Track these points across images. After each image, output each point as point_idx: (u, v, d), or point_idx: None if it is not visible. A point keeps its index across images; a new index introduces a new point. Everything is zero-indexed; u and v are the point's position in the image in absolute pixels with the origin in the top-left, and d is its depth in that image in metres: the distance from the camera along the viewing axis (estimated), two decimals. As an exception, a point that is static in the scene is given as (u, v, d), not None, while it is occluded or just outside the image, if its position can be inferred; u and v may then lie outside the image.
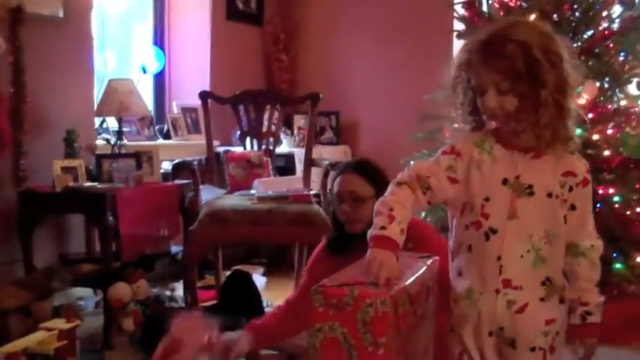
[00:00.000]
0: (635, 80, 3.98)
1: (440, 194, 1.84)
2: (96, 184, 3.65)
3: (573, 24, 4.00)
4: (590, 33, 4.02)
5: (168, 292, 4.08)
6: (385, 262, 1.67)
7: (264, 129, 4.29)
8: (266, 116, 4.34)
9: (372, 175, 2.52)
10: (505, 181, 1.83)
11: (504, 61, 1.74)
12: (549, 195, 1.82)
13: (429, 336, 1.95)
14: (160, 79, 5.29)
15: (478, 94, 1.81)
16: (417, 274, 1.79)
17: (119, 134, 4.08)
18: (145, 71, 5.04)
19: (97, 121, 4.39)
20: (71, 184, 3.53)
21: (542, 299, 1.85)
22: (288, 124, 5.40)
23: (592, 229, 1.94)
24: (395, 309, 1.62)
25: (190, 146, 4.88)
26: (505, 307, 1.84)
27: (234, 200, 3.75)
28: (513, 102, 1.76)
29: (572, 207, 1.86)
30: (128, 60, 5.08)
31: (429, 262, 1.92)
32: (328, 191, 2.70)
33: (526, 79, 1.74)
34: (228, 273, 3.89)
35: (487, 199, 1.83)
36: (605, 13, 4.05)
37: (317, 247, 2.71)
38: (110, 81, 4.09)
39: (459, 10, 4.28)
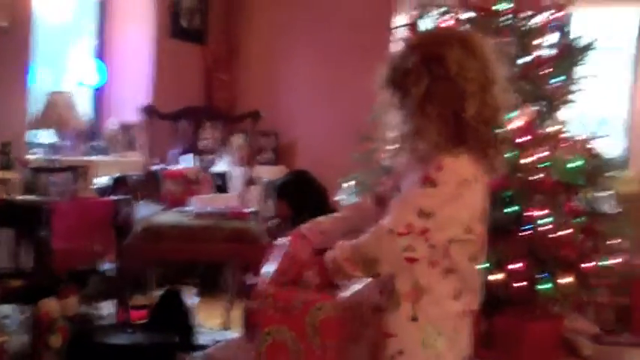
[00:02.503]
0: (566, 105, 4.10)
1: None
2: (30, 196, 3.60)
3: (511, 50, 4.11)
4: (526, 59, 4.14)
5: (96, 311, 4.03)
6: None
7: (203, 146, 4.30)
8: (205, 134, 4.34)
9: (285, 193, 2.73)
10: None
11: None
12: None
13: (372, 343, 1.97)
14: (98, 94, 5.24)
15: None
16: (364, 283, 1.82)
17: (55, 148, 4.03)
18: (84, 84, 4.98)
19: (31, 134, 4.33)
20: (4, 196, 3.47)
21: None
22: (225, 143, 5.39)
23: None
24: (343, 313, 1.65)
25: (127, 163, 4.82)
26: None
27: (170, 216, 3.74)
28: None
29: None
30: (65, 74, 5.02)
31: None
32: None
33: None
34: (160, 293, 3.86)
35: None
36: (539, 41, 4.18)
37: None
38: (49, 94, 4.05)
39: (399, 32, 4.37)
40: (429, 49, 1.74)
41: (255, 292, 1.77)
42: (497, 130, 1.75)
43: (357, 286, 1.78)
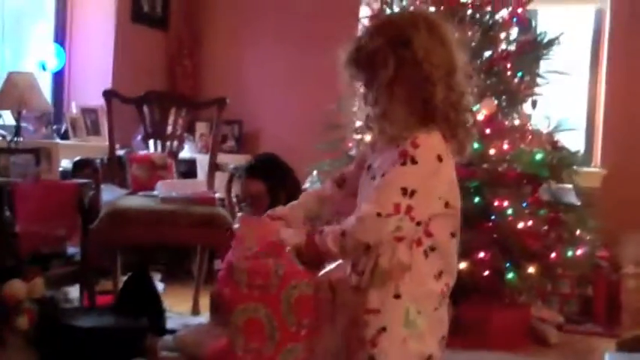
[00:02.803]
0: (530, 99, 4.18)
1: None
2: (-9, 177, 3.52)
3: (473, 44, 4.16)
4: (489, 53, 4.20)
5: (62, 295, 3.96)
6: None
7: (169, 131, 4.24)
8: (170, 119, 4.28)
9: (260, 171, 2.84)
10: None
11: None
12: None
13: (343, 326, 1.98)
14: (59, 78, 5.14)
15: None
16: (338, 262, 1.83)
17: (17, 129, 3.94)
18: (44, 68, 4.89)
19: (-7, 116, 4.24)
20: (-35, 177, 3.39)
21: None
22: (190, 130, 5.34)
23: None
24: (318, 292, 1.65)
25: (89, 147, 4.75)
26: None
27: (136, 200, 3.69)
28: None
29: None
30: (25, 56, 4.92)
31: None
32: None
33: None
34: (124, 278, 3.81)
35: None
36: (503, 35, 4.24)
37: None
38: (10, 74, 3.96)
39: (365, 21, 4.39)
40: (395, 31, 1.76)
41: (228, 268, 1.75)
42: (465, 114, 1.79)
43: (331, 266, 1.79)
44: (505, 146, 3.99)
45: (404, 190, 1.65)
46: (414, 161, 1.67)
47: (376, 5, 4.41)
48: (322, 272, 1.72)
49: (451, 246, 1.78)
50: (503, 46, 4.24)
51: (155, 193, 3.76)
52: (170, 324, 3.63)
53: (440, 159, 1.70)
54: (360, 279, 1.76)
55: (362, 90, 1.80)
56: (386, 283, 1.74)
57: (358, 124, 2.14)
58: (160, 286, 4.23)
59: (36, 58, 4.90)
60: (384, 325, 1.73)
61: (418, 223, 1.69)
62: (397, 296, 1.73)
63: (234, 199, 3.49)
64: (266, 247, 1.70)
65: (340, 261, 1.83)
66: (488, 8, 4.21)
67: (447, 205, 1.74)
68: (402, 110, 1.72)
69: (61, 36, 5.18)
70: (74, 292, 3.97)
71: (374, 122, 1.77)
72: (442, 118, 1.73)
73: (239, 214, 2.52)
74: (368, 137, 1.99)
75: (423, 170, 1.68)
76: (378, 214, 1.65)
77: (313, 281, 1.62)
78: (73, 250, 4.05)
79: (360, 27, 4.39)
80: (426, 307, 1.75)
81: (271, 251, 1.70)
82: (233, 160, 5.12)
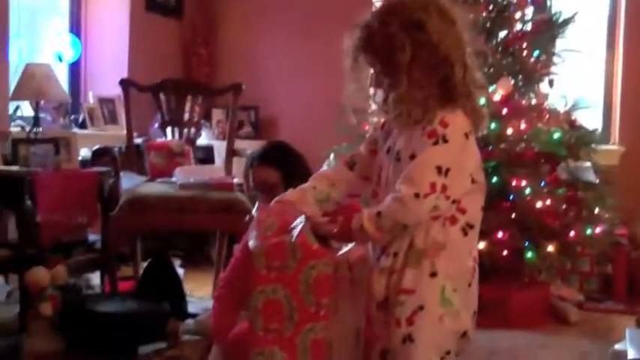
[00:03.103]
0: (547, 78, 4.16)
1: None
2: (12, 167, 3.55)
3: (489, 24, 4.14)
4: (505, 33, 4.19)
5: (84, 281, 4.01)
6: None
7: (186, 118, 4.26)
8: (186, 107, 4.30)
9: (274, 159, 2.73)
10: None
11: None
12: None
13: (362, 305, 1.99)
14: (75, 68, 5.18)
15: None
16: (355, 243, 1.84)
17: (36, 120, 3.98)
18: (60, 59, 4.92)
19: (11, 107, 4.27)
20: (-14, 167, 3.42)
21: None
22: (206, 117, 5.36)
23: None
24: (335, 272, 1.66)
25: (108, 136, 4.78)
26: None
27: (155, 187, 3.71)
28: None
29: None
30: (41, 48, 4.95)
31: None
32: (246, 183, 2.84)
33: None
34: (145, 265, 3.84)
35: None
36: (519, 15, 4.22)
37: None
38: (27, 65, 3.99)
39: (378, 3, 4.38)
40: (406, 15, 1.77)
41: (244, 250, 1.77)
42: (481, 92, 1.83)
43: (348, 246, 1.80)
44: (522, 126, 3.97)
45: (439, 169, 1.68)
46: (445, 140, 1.70)
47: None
48: (341, 252, 1.72)
49: (480, 220, 1.81)
50: (518, 26, 4.21)
51: (173, 179, 3.78)
52: (191, 308, 3.67)
53: (467, 136, 1.73)
54: (394, 260, 1.78)
55: (374, 75, 1.82)
56: (421, 262, 1.76)
57: (373, 107, 2.14)
58: (180, 272, 4.27)
59: (52, 49, 4.93)
60: (420, 304, 1.75)
61: (453, 201, 1.72)
62: (433, 274, 1.75)
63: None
64: (286, 224, 1.71)
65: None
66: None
67: (473, 180, 1.77)
68: (421, 92, 1.74)
69: (76, 27, 5.21)
70: (95, 278, 4.02)
71: (391, 106, 1.78)
72: (464, 95, 1.76)
73: (257, 202, 2.52)
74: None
75: (454, 148, 1.71)
76: (416, 195, 1.68)
77: (332, 261, 1.63)
78: (93, 237, 4.09)
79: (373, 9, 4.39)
80: (462, 283, 1.78)
81: (292, 229, 1.71)
82: (250, 146, 5.13)
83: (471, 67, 1.79)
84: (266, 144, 3.25)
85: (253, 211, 1.91)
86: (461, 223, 1.75)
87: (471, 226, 1.76)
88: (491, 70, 3.95)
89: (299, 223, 1.71)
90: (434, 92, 1.75)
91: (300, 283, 1.62)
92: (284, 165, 2.70)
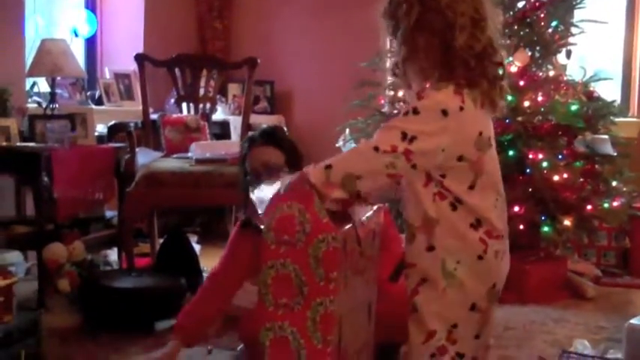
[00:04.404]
0: (564, 49, 4.10)
1: None
2: (29, 144, 3.58)
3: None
4: (522, 4, 4.13)
5: (102, 258, 4.04)
6: None
7: (201, 93, 4.26)
8: (202, 82, 4.30)
9: (280, 140, 2.60)
10: None
11: None
12: None
13: (372, 279, 2.00)
14: (91, 44, 5.19)
15: None
16: (364, 216, 1.84)
17: (52, 96, 4.00)
18: (76, 35, 4.93)
19: (28, 83, 4.29)
20: (4, 143, 3.44)
21: None
22: (222, 92, 5.36)
23: None
24: (344, 246, 1.66)
25: (124, 112, 4.80)
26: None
27: (171, 163, 3.72)
28: None
29: None
30: (58, 24, 4.96)
31: (375, 208, 1.97)
32: (241, 164, 2.67)
33: None
34: (162, 240, 3.86)
35: None
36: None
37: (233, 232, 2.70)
38: (43, 41, 4.00)
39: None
40: None
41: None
42: (493, 67, 1.77)
43: (358, 217, 1.80)
44: (539, 98, 3.93)
45: (403, 135, 1.67)
46: (415, 112, 1.69)
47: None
48: (349, 225, 1.72)
49: (473, 198, 1.75)
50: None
51: (189, 155, 3.79)
52: (207, 283, 3.69)
53: (445, 113, 1.69)
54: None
55: (390, 42, 1.82)
56: (415, 237, 1.76)
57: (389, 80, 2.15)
58: (196, 247, 4.30)
59: (68, 25, 4.94)
60: (422, 276, 1.77)
61: (415, 167, 1.69)
62: (431, 248, 1.75)
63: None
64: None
65: (367, 215, 1.85)
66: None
67: (460, 158, 1.72)
68: (422, 56, 1.74)
69: (91, 2, 5.21)
70: (113, 254, 4.05)
71: (398, 68, 1.79)
72: (461, 64, 1.72)
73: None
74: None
75: (423, 120, 1.69)
76: (375, 148, 1.68)
77: (340, 234, 1.63)
78: (110, 213, 4.12)
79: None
80: (466, 256, 1.75)
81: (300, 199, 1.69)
82: (266, 121, 5.14)
83: (483, 40, 1.73)
84: (264, 128, 3.12)
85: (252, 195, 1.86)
86: (449, 198, 1.74)
87: (460, 201, 1.74)
88: (509, 41, 3.91)
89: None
90: (436, 58, 1.73)
91: (309, 256, 1.62)
92: (286, 147, 2.59)
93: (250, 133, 3.26)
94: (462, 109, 1.71)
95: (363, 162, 1.69)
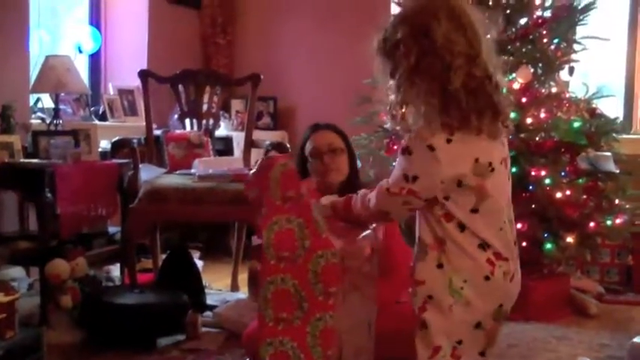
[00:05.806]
0: (567, 66, 4.11)
1: None
2: (33, 160, 3.59)
3: (508, 11, 4.11)
4: (524, 20, 4.14)
5: (104, 273, 4.05)
6: None
7: (204, 109, 4.27)
8: (205, 98, 4.32)
9: (341, 132, 2.78)
10: None
11: None
12: None
13: (371, 295, 2.00)
14: (95, 60, 5.21)
15: None
16: (363, 234, 1.85)
17: (56, 112, 4.01)
18: (80, 51, 4.95)
19: (32, 99, 4.31)
20: (7, 159, 3.46)
21: None
22: (225, 107, 5.38)
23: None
24: (344, 261, 1.67)
25: (127, 128, 4.81)
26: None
27: (174, 179, 3.73)
28: None
29: None
30: (61, 39, 4.99)
31: (374, 226, 1.99)
32: (299, 150, 2.76)
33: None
34: (164, 256, 3.87)
35: None
36: (538, 1, 4.17)
37: None
38: (47, 57, 4.02)
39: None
40: (416, 20, 1.77)
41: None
42: (489, 98, 1.77)
43: (357, 235, 1.82)
44: (542, 115, 3.94)
45: (406, 177, 1.76)
46: (409, 152, 1.76)
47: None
48: (344, 241, 1.74)
49: (477, 221, 1.78)
50: (538, 12, 4.17)
51: (192, 171, 3.80)
52: (210, 300, 3.70)
53: (431, 148, 1.72)
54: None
55: (390, 79, 1.82)
56: (427, 254, 1.80)
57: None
58: (199, 263, 4.30)
59: (72, 41, 4.96)
60: (429, 293, 1.80)
61: (427, 200, 1.77)
62: (440, 266, 1.79)
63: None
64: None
65: (366, 233, 1.87)
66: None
67: (459, 184, 1.75)
68: (421, 100, 1.74)
69: (96, 18, 5.25)
70: (115, 270, 4.05)
71: (396, 110, 1.81)
72: (455, 105, 1.74)
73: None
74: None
75: (417, 159, 1.75)
76: (387, 190, 1.79)
77: (339, 250, 1.64)
78: (113, 229, 4.12)
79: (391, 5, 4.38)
80: (473, 276, 1.78)
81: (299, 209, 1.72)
82: (269, 137, 5.15)
83: (478, 75, 1.74)
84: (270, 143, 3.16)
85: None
86: (455, 220, 1.78)
87: (464, 225, 1.77)
88: (511, 58, 3.92)
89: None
90: (434, 101, 1.73)
91: (308, 272, 1.65)
92: (345, 137, 2.76)
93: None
94: (449, 141, 1.73)
95: (384, 202, 1.82)
